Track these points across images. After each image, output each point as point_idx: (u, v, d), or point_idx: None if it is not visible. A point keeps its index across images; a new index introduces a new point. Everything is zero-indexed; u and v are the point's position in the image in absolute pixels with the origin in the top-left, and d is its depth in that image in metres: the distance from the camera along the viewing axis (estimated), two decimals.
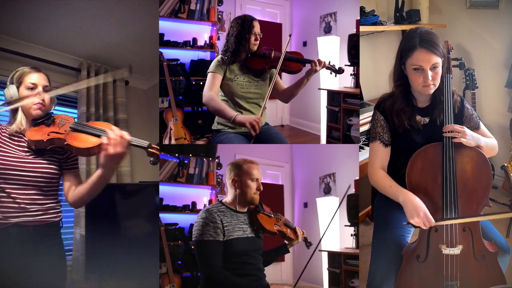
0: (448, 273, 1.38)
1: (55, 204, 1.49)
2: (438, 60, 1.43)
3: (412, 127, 1.55)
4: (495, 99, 2.93)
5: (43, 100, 1.46)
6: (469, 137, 1.42)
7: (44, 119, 1.47)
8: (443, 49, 1.46)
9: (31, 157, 1.43)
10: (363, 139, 2.30)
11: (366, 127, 2.31)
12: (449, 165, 1.41)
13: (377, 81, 2.95)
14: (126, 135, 1.32)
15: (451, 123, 1.44)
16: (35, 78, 1.46)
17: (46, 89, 1.48)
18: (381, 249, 1.51)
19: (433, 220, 1.34)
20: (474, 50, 2.98)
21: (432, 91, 1.48)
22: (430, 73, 1.43)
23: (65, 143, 1.37)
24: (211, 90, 1.79)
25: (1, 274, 1.36)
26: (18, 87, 1.45)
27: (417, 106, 1.58)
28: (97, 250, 2.37)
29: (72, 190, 1.48)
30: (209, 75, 1.82)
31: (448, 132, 1.42)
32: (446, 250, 1.38)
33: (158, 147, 1.37)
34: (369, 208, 2.65)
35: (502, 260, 1.45)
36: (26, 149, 1.44)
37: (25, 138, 1.46)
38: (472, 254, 1.40)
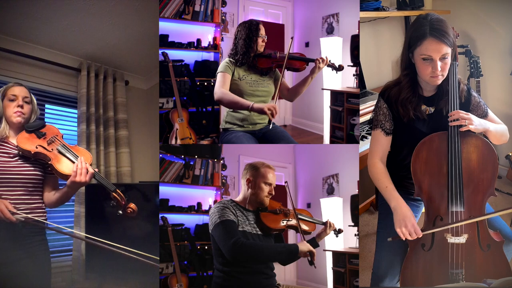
0: (453, 261, 1.47)
1: (41, 204, 1.70)
2: (448, 51, 1.43)
3: (417, 116, 1.58)
4: (500, 87, 2.96)
5: (22, 108, 1.69)
6: (476, 122, 1.46)
7: (36, 128, 1.70)
8: (453, 38, 1.46)
9: (19, 161, 1.65)
10: (365, 129, 2.40)
11: (367, 117, 2.41)
12: (455, 155, 1.46)
13: (380, 69, 2.98)
14: (90, 168, 1.62)
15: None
16: (15, 90, 1.70)
17: (25, 100, 1.71)
18: (386, 238, 1.56)
19: (420, 232, 1.43)
20: (479, 37, 2.96)
21: (440, 81, 1.51)
22: (439, 63, 1.44)
23: (49, 162, 1.62)
24: (223, 87, 1.92)
25: None
26: (2, 100, 1.69)
27: (423, 95, 1.61)
28: (97, 250, 2.42)
29: (48, 192, 1.73)
30: (219, 75, 1.95)
31: (455, 120, 1.46)
32: (452, 239, 1.47)
33: (123, 195, 1.63)
34: (373, 197, 2.77)
35: (507, 249, 1.53)
36: (11, 154, 1.65)
37: (8, 144, 1.67)
38: (478, 243, 1.48)
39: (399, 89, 1.59)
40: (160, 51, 2.52)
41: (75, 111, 2.89)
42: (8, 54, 2.53)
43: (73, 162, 1.62)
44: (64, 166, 1.61)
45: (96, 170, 1.65)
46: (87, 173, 1.59)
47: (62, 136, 1.74)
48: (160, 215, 2.45)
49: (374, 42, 3.04)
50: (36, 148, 1.62)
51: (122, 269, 2.38)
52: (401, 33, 3.21)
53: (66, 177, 1.60)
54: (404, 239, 1.44)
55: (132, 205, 1.62)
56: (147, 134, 3.28)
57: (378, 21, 2.95)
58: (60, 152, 1.64)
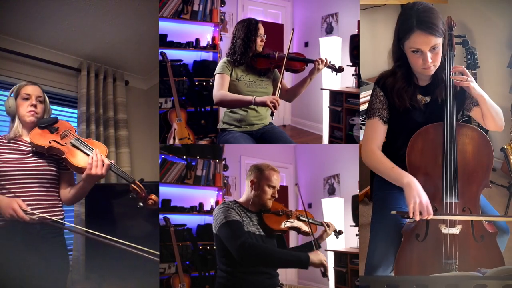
0: (447, 252, 1.55)
1: (58, 202, 1.75)
2: (438, 41, 1.48)
3: (413, 106, 1.63)
4: (496, 80, 3.01)
5: (36, 107, 1.75)
6: (475, 85, 1.52)
7: (49, 124, 1.75)
8: (443, 26, 1.49)
9: (33, 157, 1.70)
10: (363, 118, 2.48)
11: (365, 106, 2.42)
12: (450, 146, 1.53)
13: (375, 59, 3.04)
14: (106, 160, 1.63)
15: (452, 102, 1.55)
16: (29, 89, 1.77)
17: (39, 99, 1.78)
18: (380, 229, 1.65)
19: (431, 210, 1.46)
20: (476, 28, 3.01)
21: (432, 72, 1.57)
22: (429, 54, 1.49)
23: (63, 156, 1.65)
24: (222, 89, 1.98)
25: (8, 267, 1.58)
26: (16, 98, 1.76)
27: (418, 84, 1.66)
28: (97, 250, 2.53)
29: (64, 188, 1.78)
30: (217, 76, 2.01)
31: (456, 74, 1.51)
32: (446, 230, 1.55)
33: (143, 187, 1.61)
34: (367, 188, 2.86)
35: (500, 240, 1.61)
36: (24, 152, 1.71)
37: (22, 142, 1.74)
38: (471, 234, 1.56)
39: (394, 80, 1.65)
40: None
41: (75, 111, 3.00)
42: (8, 54, 2.63)
43: (88, 155, 1.65)
44: (78, 159, 1.64)
45: (113, 161, 1.67)
46: (103, 165, 1.61)
47: (75, 131, 1.79)
48: (162, 216, 2.55)
49: (370, 32, 3.10)
50: (49, 143, 1.67)
51: (122, 269, 2.45)
52: None
53: (81, 170, 1.63)
54: (411, 216, 1.48)
55: (154, 197, 1.62)
56: (147, 134, 3.40)
57: (374, 9, 3.01)
58: (74, 146, 1.68)
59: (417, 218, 1.49)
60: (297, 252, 1.69)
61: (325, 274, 1.61)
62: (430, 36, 1.47)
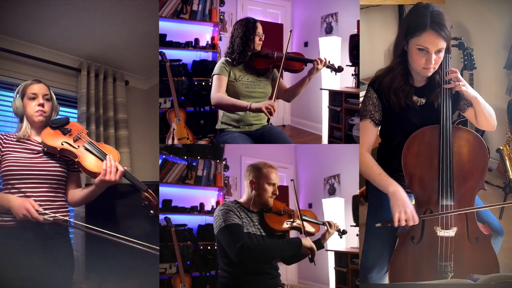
0: (442, 254, 1.58)
1: (64, 203, 1.77)
2: (444, 45, 1.53)
3: (408, 105, 1.66)
4: (493, 81, 3.05)
5: (43, 106, 1.75)
6: (467, 88, 1.57)
7: (61, 125, 1.76)
8: (449, 31, 1.54)
9: (44, 158, 1.72)
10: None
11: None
12: (446, 149, 1.56)
13: (372, 59, 3.07)
14: (120, 167, 1.65)
15: (448, 105, 1.59)
16: (35, 88, 1.76)
17: (46, 97, 1.78)
18: (375, 230, 1.67)
19: (417, 219, 1.52)
20: (473, 29, 3.04)
21: (430, 74, 1.61)
22: (434, 56, 1.53)
23: (76, 160, 1.67)
24: (219, 91, 1.99)
25: (16, 267, 1.61)
26: (22, 99, 1.76)
27: (413, 85, 1.70)
28: (97, 250, 2.59)
29: (71, 189, 1.80)
30: (215, 77, 2.01)
31: (450, 80, 1.56)
32: (441, 232, 1.58)
33: (154, 195, 1.65)
34: (363, 188, 2.86)
35: (495, 242, 1.65)
36: (34, 151, 1.72)
37: (31, 141, 1.75)
38: (466, 236, 1.60)
39: (392, 77, 1.68)
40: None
41: (75, 111, 3.04)
42: (8, 54, 2.65)
43: (100, 159, 1.66)
44: (91, 163, 1.65)
45: (126, 168, 1.69)
46: (116, 171, 1.62)
47: (87, 133, 1.80)
48: (163, 216, 2.59)
49: (368, 31, 3.12)
50: (62, 144, 1.67)
51: (122, 269, 2.50)
52: (394, 22, 3.30)
53: (94, 175, 1.64)
54: (396, 225, 1.54)
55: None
56: (147, 134, 3.43)
57: (371, 9, 3.03)
58: (86, 149, 1.69)
59: (403, 224, 1.54)
60: (289, 238, 1.77)
61: (312, 259, 1.69)
62: (440, 38, 1.52)
